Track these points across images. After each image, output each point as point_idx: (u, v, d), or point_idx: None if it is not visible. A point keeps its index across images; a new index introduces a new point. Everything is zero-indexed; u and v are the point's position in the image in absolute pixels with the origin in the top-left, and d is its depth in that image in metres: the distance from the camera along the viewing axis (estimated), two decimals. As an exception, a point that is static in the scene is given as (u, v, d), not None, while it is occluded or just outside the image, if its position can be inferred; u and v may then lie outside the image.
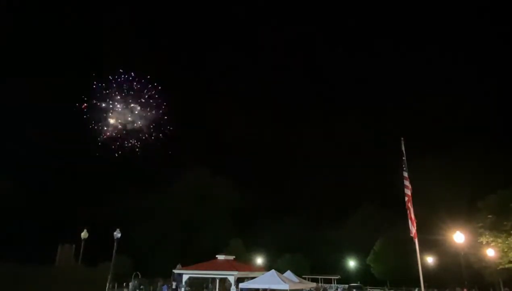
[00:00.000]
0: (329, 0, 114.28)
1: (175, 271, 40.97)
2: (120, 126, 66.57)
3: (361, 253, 63.79)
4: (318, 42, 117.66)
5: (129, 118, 67.50)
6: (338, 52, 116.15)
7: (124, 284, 47.29)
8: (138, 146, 68.56)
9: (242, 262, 48.69)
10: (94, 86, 62.72)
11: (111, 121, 64.49)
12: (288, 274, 35.75)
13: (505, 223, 34.48)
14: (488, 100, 78.16)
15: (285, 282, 30.01)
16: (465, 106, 75.08)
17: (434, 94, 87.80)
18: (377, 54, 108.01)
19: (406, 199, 17.40)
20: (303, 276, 47.00)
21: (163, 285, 47.21)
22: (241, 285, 34.56)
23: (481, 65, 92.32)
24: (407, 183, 17.68)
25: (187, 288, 39.73)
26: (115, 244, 31.45)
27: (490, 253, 35.66)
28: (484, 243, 36.01)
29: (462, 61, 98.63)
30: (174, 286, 41.23)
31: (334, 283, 60.12)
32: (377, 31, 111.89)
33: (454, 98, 79.54)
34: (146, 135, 70.01)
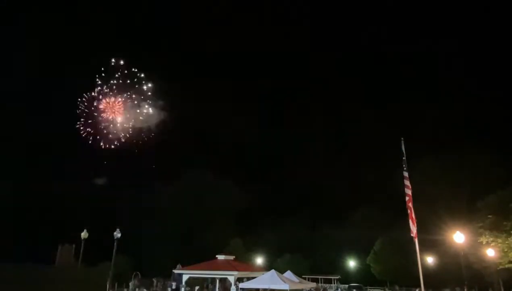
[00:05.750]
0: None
1: (175, 271, 40.96)
2: (117, 124, 66.72)
3: (361, 253, 63.78)
4: (315, 40, 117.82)
5: (132, 117, 67.67)
6: (336, 51, 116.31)
7: (124, 284, 47.30)
8: (140, 145, 68.72)
9: (242, 262, 48.67)
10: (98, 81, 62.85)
11: (116, 120, 64.70)
12: (288, 274, 35.72)
13: (505, 223, 34.42)
14: (488, 100, 78.11)
15: (285, 282, 29.99)
16: (465, 106, 75.16)
17: (434, 94, 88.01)
18: (376, 53, 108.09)
19: (407, 198, 17.38)
20: (303, 276, 46.97)
21: (163, 283, 47.21)
22: (241, 285, 34.54)
23: (481, 64, 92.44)
24: (407, 182, 17.67)
25: (187, 288, 39.71)
26: (115, 244, 31.46)
27: (490, 253, 35.61)
28: (484, 243, 35.92)
29: (462, 60, 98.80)
30: (174, 286, 41.25)
31: (334, 283, 60.12)
32: (375, 29, 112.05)
33: (454, 98, 79.73)
34: (152, 134, 70.13)
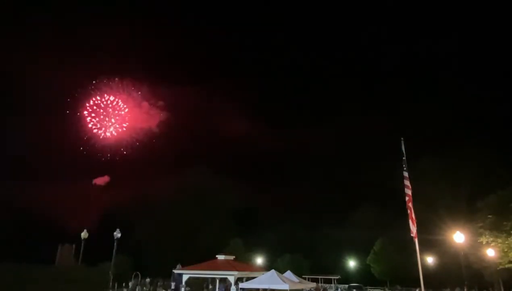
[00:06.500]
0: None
1: (175, 271, 40.94)
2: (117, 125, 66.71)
3: (361, 253, 63.77)
4: (315, 40, 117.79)
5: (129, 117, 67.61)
6: (336, 51, 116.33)
7: (124, 284, 47.31)
8: (139, 145, 68.71)
9: (242, 262, 48.64)
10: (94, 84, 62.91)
11: (114, 120, 64.72)
12: (288, 274, 35.68)
13: (505, 223, 34.41)
14: (488, 99, 78.12)
15: (285, 282, 29.97)
16: (465, 106, 75.16)
17: (433, 94, 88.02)
18: (376, 53, 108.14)
19: (407, 198, 17.39)
20: (303, 276, 46.94)
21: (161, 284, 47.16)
22: (241, 285, 34.50)
23: (482, 64, 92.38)
24: (407, 182, 17.68)
25: (187, 288, 39.68)
26: (115, 244, 31.44)
27: (490, 253, 35.62)
28: (484, 243, 35.94)
29: (462, 60, 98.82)
30: (173, 286, 41.26)
31: (334, 283, 60.09)
32: (375, 29, 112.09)
33: (454, 98, 79.66)
34: (154, 137, 70.00)
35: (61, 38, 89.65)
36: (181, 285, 38.41)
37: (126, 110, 67.89)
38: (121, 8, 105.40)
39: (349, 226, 66.92)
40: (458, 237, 26.73)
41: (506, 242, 34.30)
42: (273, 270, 32.76)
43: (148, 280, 49.64)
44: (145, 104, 71.44)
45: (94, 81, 64.59)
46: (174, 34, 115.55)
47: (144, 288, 46.07)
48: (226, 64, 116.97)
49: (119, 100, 65.07)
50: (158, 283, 49.18)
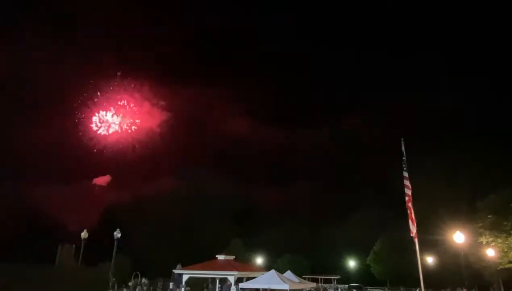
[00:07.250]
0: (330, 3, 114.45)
1: (175, 271, 40.91)
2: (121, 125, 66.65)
3: (361, 253, 63.81)
4: (319, 41, 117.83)
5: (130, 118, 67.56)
6: (338, 52, 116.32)
7: (124, 284, 47.25)
8: (139, 145, 68.63)
9: (242, 262, 48.62)
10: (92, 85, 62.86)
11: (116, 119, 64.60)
12: (288, 274, 35.68)
13: (505, 223, 34.45)
14: (487, 100, 78.21)
15: (285, 282, 29.95)
16: (465, 106, 75.17)
17: (434, 94, 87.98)
18: (378, 55, 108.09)
19: (407, 198, 17.40)
20: (303, 276, 46.97)
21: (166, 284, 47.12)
22: (241, 285, 34.48)
23: (481, 65, 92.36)
24: (407, 182, 17.69)
25: (187, 288, 39.65)
26: (115, 244, 31.40)
27: (490, 253, 35.61)
28: (484, 243, 35.96)
29: (462, 61, 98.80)
30: (171, 286, 41.22)
31: (334, 283, 60.10)
32: (377, 31, 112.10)
33: (454, 98, 79.68)
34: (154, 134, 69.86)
35: (61, 37, 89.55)
36: (181, 285, 38.40)
37: (133, 107, 67.94)
38: (121, 8, 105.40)
39: (349, 226, 66.92)
40: (458, 237, 26.69)
41: (506, 242, 34.33)
42: (273, 270, 32.74)
43: (144, 280, 49.49)
44: (146, 103, 71.54)
45: (91, 80, 64.57)
46: (174, 33, 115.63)
47: (145, 288, 46.05)
48: (226, 64, 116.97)
49: (124, 101, 64.98)
50: (159, 283, 49.14)
